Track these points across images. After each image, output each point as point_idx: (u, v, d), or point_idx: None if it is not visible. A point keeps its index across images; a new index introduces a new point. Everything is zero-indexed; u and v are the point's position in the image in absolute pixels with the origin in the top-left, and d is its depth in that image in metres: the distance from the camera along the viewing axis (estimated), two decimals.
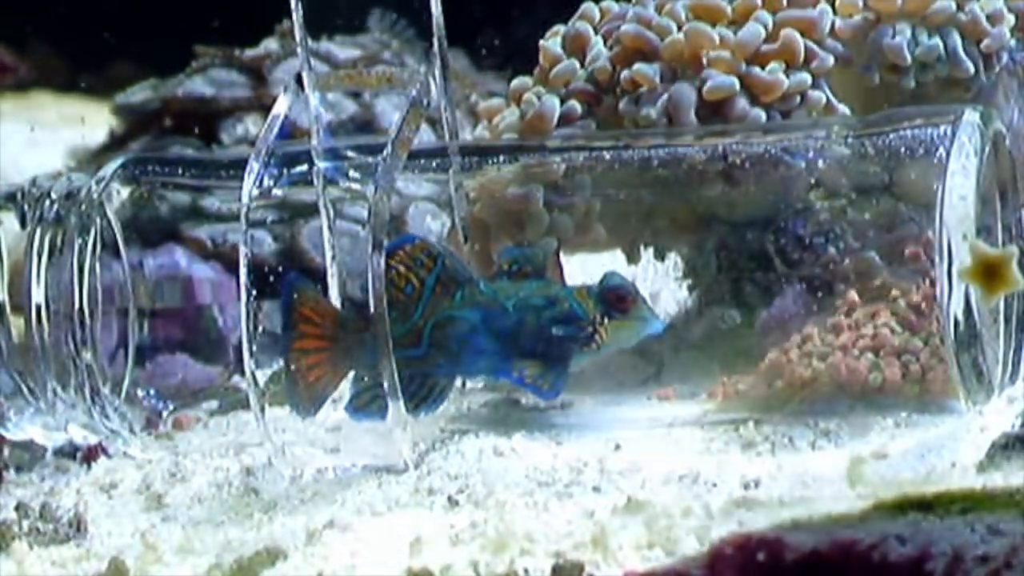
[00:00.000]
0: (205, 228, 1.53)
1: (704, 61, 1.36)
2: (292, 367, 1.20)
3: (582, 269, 1.33)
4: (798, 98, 1.35)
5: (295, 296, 1.20)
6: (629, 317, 1.24)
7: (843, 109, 1.36)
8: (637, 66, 1.36)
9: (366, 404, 1.21)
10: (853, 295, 1.23)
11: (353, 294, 1.24)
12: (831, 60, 1.36)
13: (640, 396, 1.31)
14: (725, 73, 1.35)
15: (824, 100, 1.35)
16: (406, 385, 1.23)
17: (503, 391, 1.33)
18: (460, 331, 1.24)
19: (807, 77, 1.35)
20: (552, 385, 1.24)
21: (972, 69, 1.36)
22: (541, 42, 1.43)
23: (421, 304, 1.24)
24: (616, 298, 1.24)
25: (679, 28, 1.37)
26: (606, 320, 1.24)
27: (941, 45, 1.36)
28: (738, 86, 1.34)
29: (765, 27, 1.36)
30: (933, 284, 1.19)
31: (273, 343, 1.24)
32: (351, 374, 1.21)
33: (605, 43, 1.41)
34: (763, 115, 1.34)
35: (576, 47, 1.42)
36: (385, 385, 1.18)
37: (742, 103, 1.34)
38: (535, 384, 1.24)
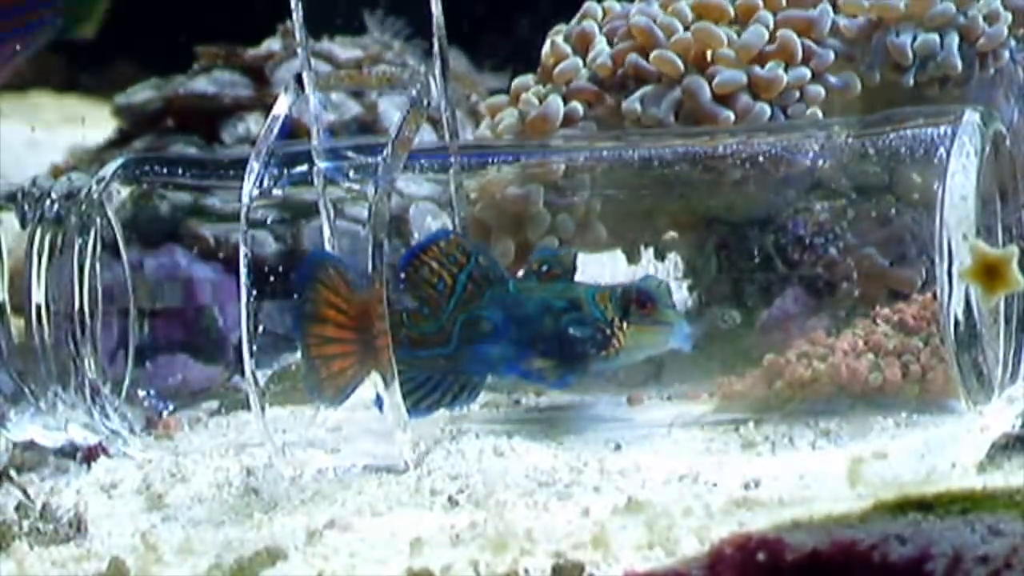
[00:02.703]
0: (208, 226, 1.53)
1: (708, 59, 1.36)
2: (312, 354, 1.19)
3: (581, 269, 1.33)
4: (797, 93, 1.35)
5: (319, 277, 1.19)
6: (651, 322, 1.23)
7: (848, 76, 1.35)
8: (659, 52, 1.36)
9: (413, 398, 1.22)
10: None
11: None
12: (831, 56, 1.36)
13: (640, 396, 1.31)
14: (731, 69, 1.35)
15: (822, 94, 1.35)
16: (436, 383, 1.23)
17: (504, 390, 1.34)
18: (484, 330, 1.24)
19: (806, 72, 1.35)
20: (559, 377, 1.24)
21: (959, 66, 1.36)
22: (551, 38, 1.43)
23: (452, 301, 1.24)
24: (638, 302, 1.23)
25: (685, 28, 1.37)
26: (625, 324, 1.23)
27: (939, 40, 1.36)
28: (745, 80, 1.35)
29: (767, 28, 1.36)
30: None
31: (274, 343, 1.24)
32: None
33: (609, 42, 1.41)
34: (767, 110, 1.34)
35: (580, 46, 1.42)
36: (384, 384, 1.17)
37: (746, 98, 1.35)
38: (541, 374, 1.24)
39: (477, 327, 1.24)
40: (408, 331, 1.24)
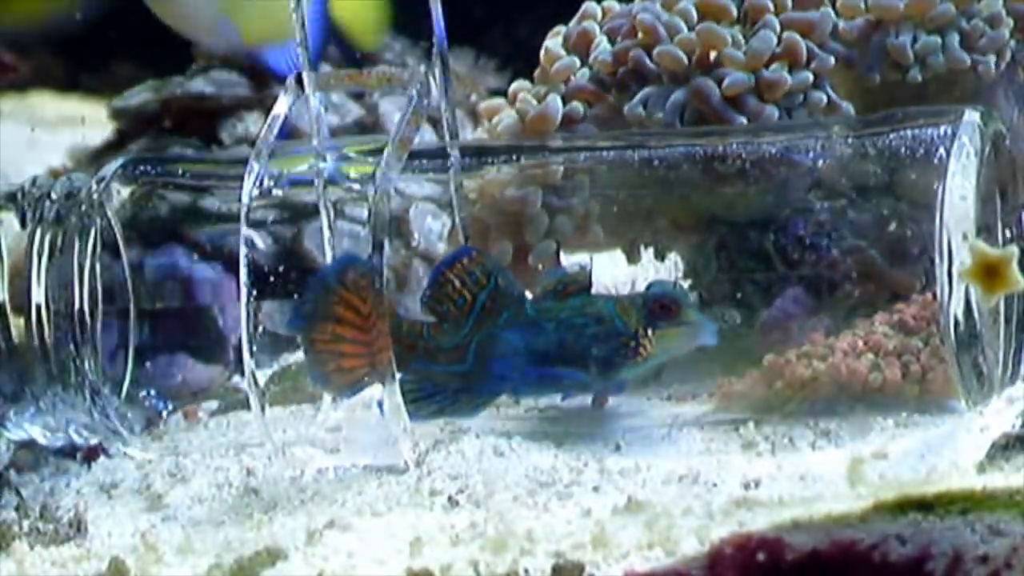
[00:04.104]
0: (205, 230, 1.53)
1: (711, 59, 1.36)
2: (318, 348, 1.19)
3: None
4: (800, 96, 1.35)
5: (342, 280, 1.19)
6: (676, 325, 1.23)
7: (846, 106, 1.36)
8: (662, 47, 1.36)
9: (418, 406, 1.21)
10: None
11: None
12: (831, 61, 1.36)
13: (640, 397, 1.31)
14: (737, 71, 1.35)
15: (825, 100, 1.35)
16: (449, 399, 1.23)
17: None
18: (502, 351, 1.24)
19: (809, 76, 1.35)
20: (573, 371, 1.24)
21: (968, 61, 1.36)
22: (549, 39, 1.43)
23: (471, 320, 1.24)
24: (661, 307, 1.23)
25: (689, 28, 1.37)
26: (651, 331, 1.23)
27: (940, 41, 1.36)
28: (753, 82, 1.35)
29: (774, 32, 1.36)
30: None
31: (273, 343, 1.24)
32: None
33: (610, 41, 1.41)
34: (775, 112, 1.34)
35: (580, 46, 1.42)
36: (384, 384, 1.17)
37: (752, 100, 1.35)
38: (557, 369, 1.24)
39: (493, 347, 1.24)
40: (427, 343, 1.25)
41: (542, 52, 1.43)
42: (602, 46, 1.40)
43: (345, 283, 1.18)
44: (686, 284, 1.33)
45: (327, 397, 1.27)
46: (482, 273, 1.25)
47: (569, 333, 1.24)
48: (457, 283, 1.24)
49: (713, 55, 1.36)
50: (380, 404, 1.18)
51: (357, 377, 1.18)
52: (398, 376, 1.18)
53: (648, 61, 1.37)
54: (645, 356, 1.23)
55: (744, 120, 1.34)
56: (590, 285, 1.27)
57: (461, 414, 1.25)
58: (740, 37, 1.37)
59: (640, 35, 1.39)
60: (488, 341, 1.24)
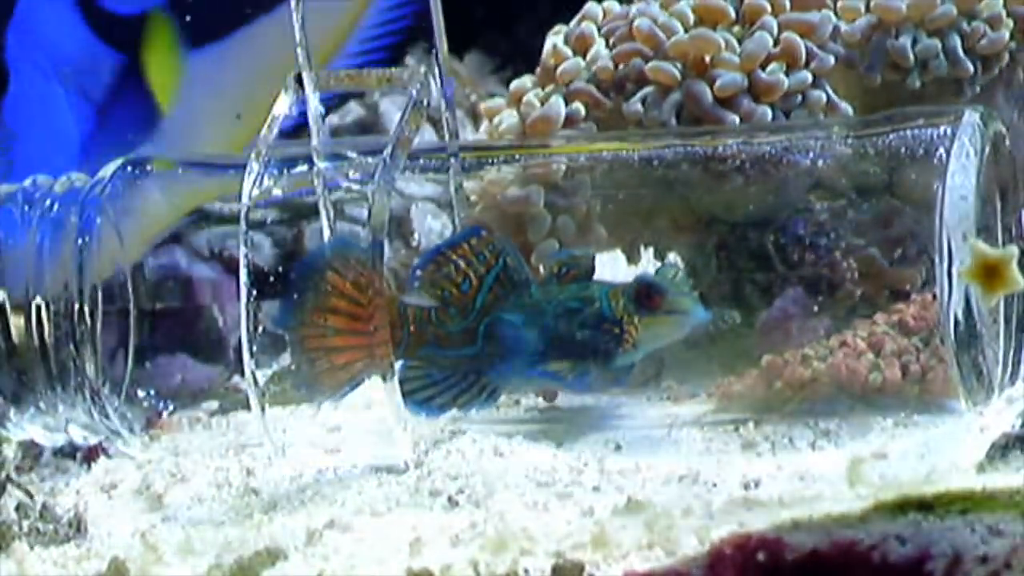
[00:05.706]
0: (204, 234, 1.53)
1: (707, 61, 1.36)
2: (311, 345, 1.18)
3: None
4: (799, 97, 1.35)
5: (331, 265, 1.18)
6: (663, 313, 1.23)
7: (845, 107, 1.36)
8: (654, 63, 1.36)
9: (418, 395, 1.21)
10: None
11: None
12: (831, 60, 1.36)
13: (640, 396, 1.31)
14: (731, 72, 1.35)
15: (824, 99, 1.35)
16: (453, 383, 1.23)
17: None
18: (506, 333, 1.24)
19: (808, 76, 1.35)
20: (577, 376, 1.23)
21: (971, 68, 1.36)
22: (551, 39, 1.43)
23: (478, 302, 1.24)
24: (645, 296, 1.23)
25: (685, 30, 1.37)
26: (636, 319, 1.23)
27: (940, 44, 1.36)
28: (746, 83, 1.35)
29: (772, 34, 1.36)
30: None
31: (273, 343, 1.24)
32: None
33: (607, 43, 1.41)
34: (769, 112, 1.34)
35: (580, 47, 1.42)
36: (384, 379, 1.17)
37: (747, 101, 1.35)
38: (559, 375, 1.24)
39: (500, 330, 1.24)
40: (436, 329, 1.24)
41: (549, 49, 1.43)
42: (600, 49, 1.40)
43: (336, 269, 1.18)
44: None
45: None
46: (491, 253, 1.24)
47: (565, 318, 1.24)
48: (462, 264, 1.24)
49: (708, 59, 1.36)
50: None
51: (352, 373, 1.17)
52: (405, 364, 1.18)
53: (646, 68, 1.37)
54: (632, 342, 1.23)
55: (736, 119, 1.34)
56: (592, 270, 1.27)
57: (474, 405, 1.25)
58: (734, 40, 1.36)
59: (637, 40, 1.38)
60: (495, 324, 1.24)
